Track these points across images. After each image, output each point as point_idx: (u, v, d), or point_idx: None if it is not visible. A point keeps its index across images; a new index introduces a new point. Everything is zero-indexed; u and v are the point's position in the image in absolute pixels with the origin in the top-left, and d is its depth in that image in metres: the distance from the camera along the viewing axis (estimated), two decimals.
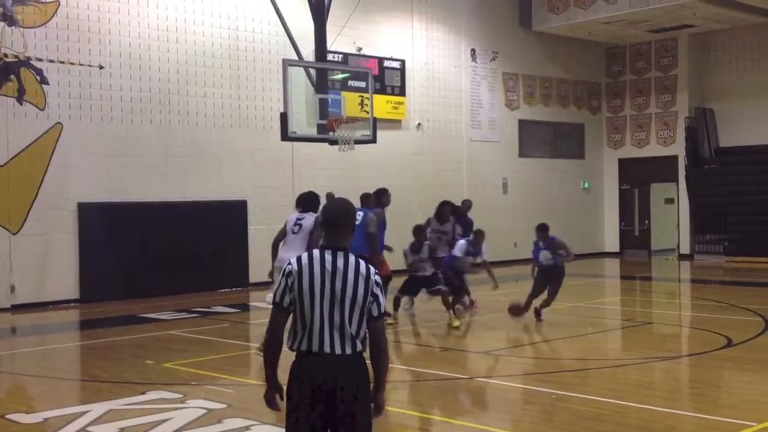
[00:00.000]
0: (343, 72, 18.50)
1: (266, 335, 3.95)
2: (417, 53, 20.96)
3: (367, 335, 3.83)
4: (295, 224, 9.12)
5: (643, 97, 25.43)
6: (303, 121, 15.55)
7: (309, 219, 9.09)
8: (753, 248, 21.38)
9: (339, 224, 3.87)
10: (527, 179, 23.43)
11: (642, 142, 25.49)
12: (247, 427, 6.66)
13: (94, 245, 15.34)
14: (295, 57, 16.20)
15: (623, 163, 25.84)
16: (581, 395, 7.58)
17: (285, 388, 3.86)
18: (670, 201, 25.12)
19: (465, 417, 7.09)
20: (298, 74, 15.41)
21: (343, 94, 17.01)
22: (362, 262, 3.82)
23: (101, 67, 15.61)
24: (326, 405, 3.73)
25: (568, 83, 25.09)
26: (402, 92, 20.45)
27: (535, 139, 24.17)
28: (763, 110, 23.09)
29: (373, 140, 15.87)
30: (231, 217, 17.21)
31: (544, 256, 11.62)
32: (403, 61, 20.48)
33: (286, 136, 14.44)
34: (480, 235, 12.08)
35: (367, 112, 16.02)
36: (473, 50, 22.42)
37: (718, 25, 23.00)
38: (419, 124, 20.96)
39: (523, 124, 23.71)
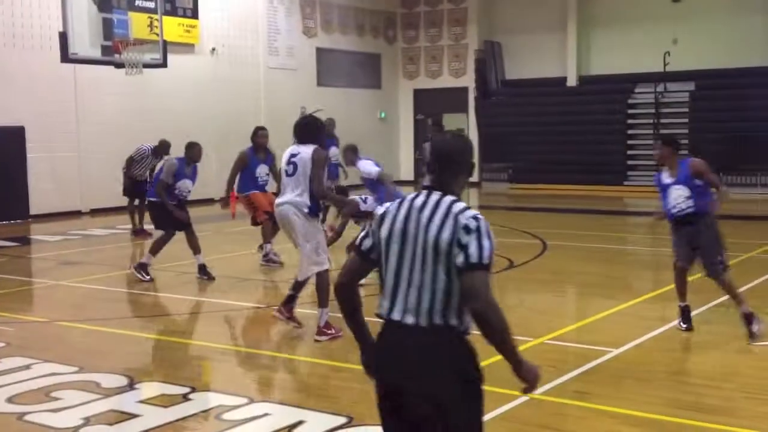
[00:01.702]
0: None
1: (337, 280, 3.18)
2: None
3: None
4: (289, 162, 6.86)
5: (437, 29, 26.04)
6: (86, 42, 14.48)
7: (306, 153, 6.80)
8: (534, 176, 22.76)
9: (450, 163, 3.04)
10: (325, 108, 23.35)
11: (435, 74, 26.20)
12: (28, 366, 6.29)
13: None
14: None
15: (418, 94, 26.49)
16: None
17: None
18: (461, 131, 26.09)
19: (260, 346, 7.07)
20: None
21: (130, 14, 15.97)
22: (459, 203, 2.93)
23: None
24: (397, 393, 2.91)
25: (364, 12, 25.15)
26: (195, 15, 19.63)
27: (333, 68, 24.16)
28: (545, 44, 24.39)
29: (164, 64, 15.16)
30: (7, 144, 15.90)
31: (678, 195, 6.84)
32: None
33: (66, 57, 13.45)
34: None
35: (157, 35, 15.22)
36: None
37: None
38: (214, 49, 20.27)
39: (321, 52, 23.59)
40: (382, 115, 26.06)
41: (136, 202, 13.57)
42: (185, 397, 5.54)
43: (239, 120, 20.05)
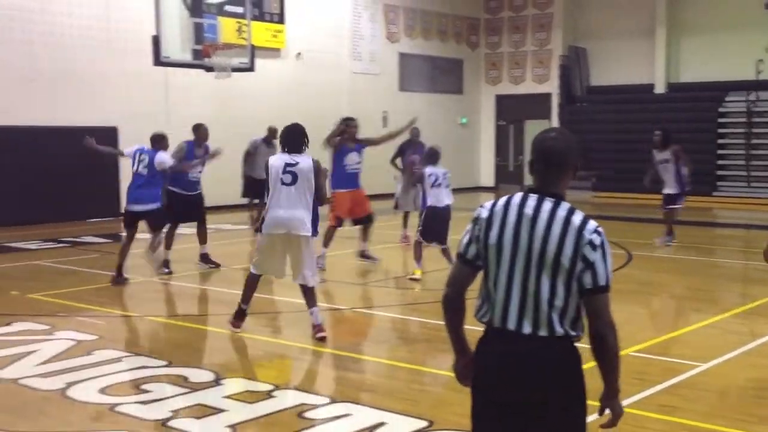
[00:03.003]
0: None
1: (443, 291, 3.06)
2: None
3: (582, 315, 2.88)
4: (285, 171, 6.83)
5: (520, 34, 25.84)
6: (177, 46, 14.93)
7: (305, 163, 6.87)
8: (619, 184, 22.32)
9: (555, 162, 2.91)
10: (407, 113, 23.32)
11: (518, 79, 25.99)
12: (119, 359, 6.51)
13: None
14: None
15: (500, 100, 26.33)
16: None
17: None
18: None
19: (342, 347, 7.14)
20: None
21: (220, 19, 16.37)
22: (577, 213, 2.84)
23: None
24: (507, 403, 2.87)
25: (447, 18, 25.15)
26: (281, 20, 19.98)
27: (415, 73, 24.23)
28: (631, 50, 23.92)
29: (251, 69, 15.49)
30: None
31: None
32: None
33: (158, 60, 13.89)
34: None
35: (245, 39, 15.57)
36: None
37: None
38: (299, 54, 20.58)
39: (403, 57, 23.69)
40: (464, 120, 25.98)
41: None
42: (269, 394, 5.66)
43: (322, 124, 20.25)
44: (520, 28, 25.84)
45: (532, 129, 26.07)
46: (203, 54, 14.71)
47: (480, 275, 3.00)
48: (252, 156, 14.07)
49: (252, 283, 7.24)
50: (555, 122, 24.83)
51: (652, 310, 9.29)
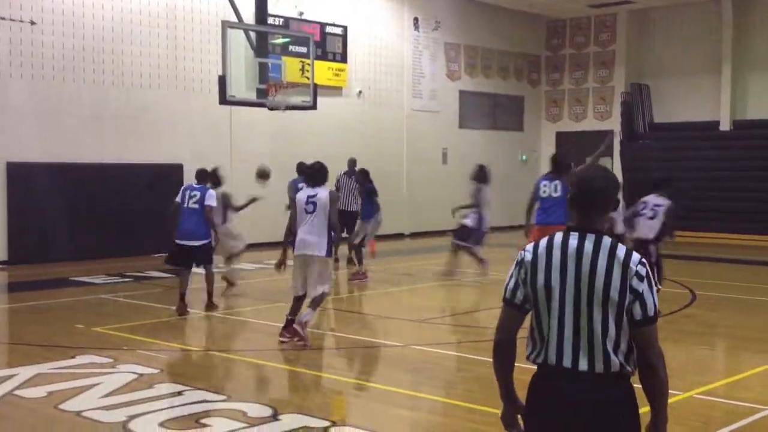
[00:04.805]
0: (283, 36, 18.24)
1: (494, 337, 3.12)
2: (359, 20, 20.79)
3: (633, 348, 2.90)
4: (308, 202, 8.15)
5: (582, 71, 25.75)
6: (242, 85, 15.29)
7: (323, 194, 8.16)
8: (682, 222, 21.85)
9: (602, 202, 2.94)
10: (467, 150, 23.54)
11: (579, 116, 25.85)
12: (180, 392, 6.61)
13: (24, 206, 14.92)
14: (234, 19, 15.90)
15: (561, 137, 26.19)
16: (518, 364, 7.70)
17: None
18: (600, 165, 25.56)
19: (398, 384, 7.14)
20: (237, 37, 15.13)
21: (284, 58, 16.77)
22: (620, 247, 2.87)
23: (33, 23, 15.08)
24: None
25: (508, 55, 25.22)
26: (344, 59, 20.29)
27: (476, 111, 24.30)
28: (696, 87, 23.59)
29: (314, 107, 15.73)
30: (167, 180, 16.86)
31: None
32: (345, 28, 20.30)
33: (224, 99, 14.20)
34: None
35: (308, 78, 15.85)
36: (416, 19, 22.34)
37: (657, 2, 23.37)
38: (360, 92, 20.84)
39: (463, 94, 23.80)
40: (524, 157, 25.90)
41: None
42: (326, 431, 5.68)
43: (382, 160, 20.44)
44: (581, 66, 25.76)
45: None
46: (267, 92, 15.01)
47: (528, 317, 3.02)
48: (337, 190, 14.39)
49: (295, 300, 8.37)
50: (617, 159, 24.55)
51: (715, 351, 9.07)
